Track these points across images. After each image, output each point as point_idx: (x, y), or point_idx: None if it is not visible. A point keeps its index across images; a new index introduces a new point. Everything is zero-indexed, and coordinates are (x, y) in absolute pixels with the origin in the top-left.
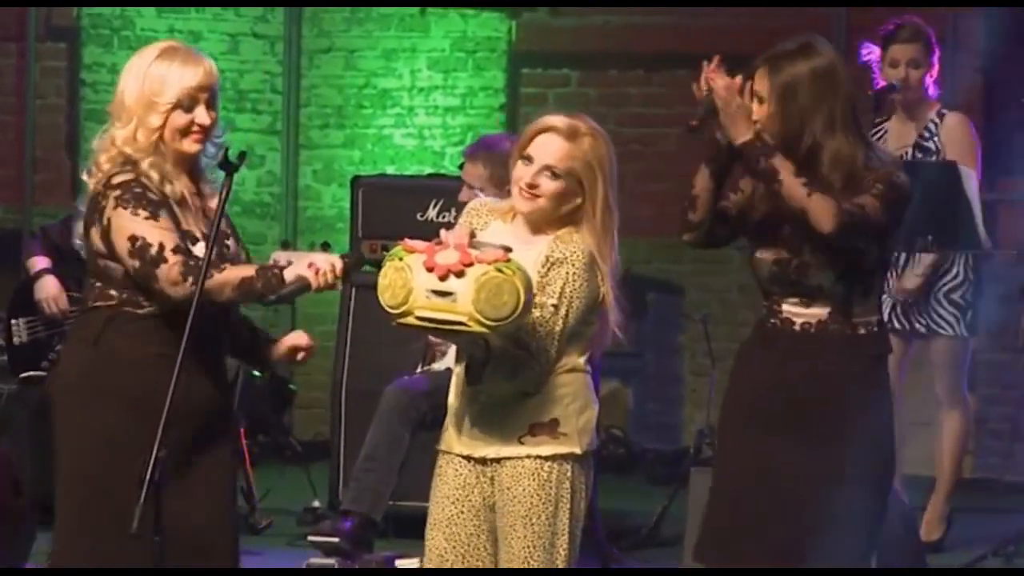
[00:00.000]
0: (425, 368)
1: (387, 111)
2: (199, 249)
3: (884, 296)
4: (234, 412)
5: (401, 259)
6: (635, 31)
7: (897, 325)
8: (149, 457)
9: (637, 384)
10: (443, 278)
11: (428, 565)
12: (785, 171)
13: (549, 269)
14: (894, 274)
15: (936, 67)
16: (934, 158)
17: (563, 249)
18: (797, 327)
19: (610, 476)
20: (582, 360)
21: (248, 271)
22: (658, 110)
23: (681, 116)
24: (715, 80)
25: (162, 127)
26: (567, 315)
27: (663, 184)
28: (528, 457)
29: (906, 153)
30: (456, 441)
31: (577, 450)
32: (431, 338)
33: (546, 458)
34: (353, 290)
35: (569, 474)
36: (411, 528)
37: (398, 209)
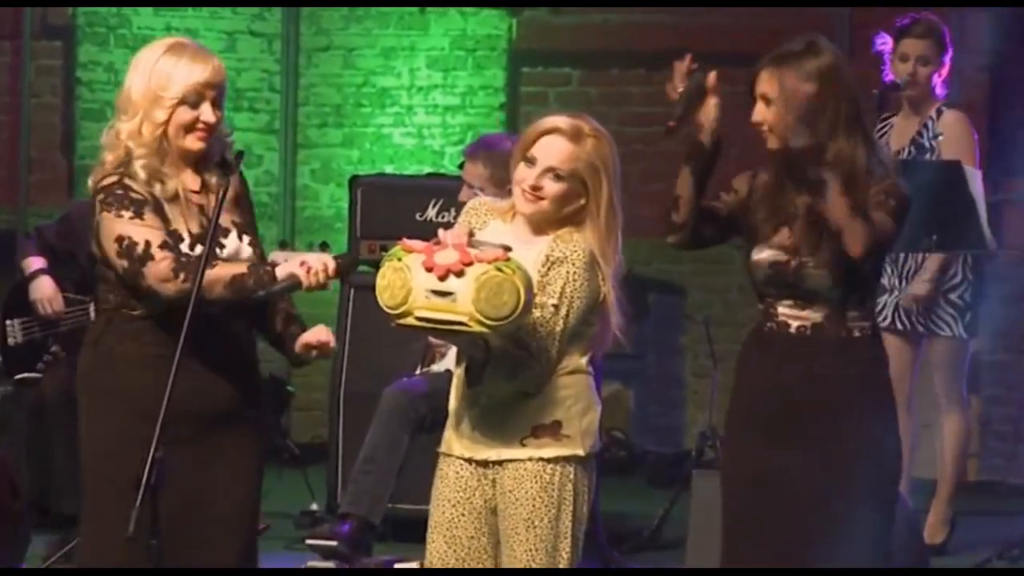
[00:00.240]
0: (424, 370)
1: (386, 110)
2: (184, 248)
3: (887, 298)
4: (255, 412)
5: (400, 259)
6: (636, 29)
7: (900, 326)
8: (144, 458)
9: (638, 386)
10: (442, 278)
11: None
12: (835, 187)
13: (549, 268)
14: (902, 280)
15: (946, 67)
16: (928, 156)
17: (563, 248)
18: (793, 330)
19: (611, 478)
20: (584, 361)
21: (240, 268)
22: (660, 109)
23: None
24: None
25: (167, 122)
26: (568, 315)
27: (665, 184)
28: (531, 459)
29: (903, 150)
30: (457, 443)
31: (580, 452)
32: (431, 339)
33: (549, 460)
34: (352, 291)
35: (572, 476)
36: (410, 531)
37: (397, 209)
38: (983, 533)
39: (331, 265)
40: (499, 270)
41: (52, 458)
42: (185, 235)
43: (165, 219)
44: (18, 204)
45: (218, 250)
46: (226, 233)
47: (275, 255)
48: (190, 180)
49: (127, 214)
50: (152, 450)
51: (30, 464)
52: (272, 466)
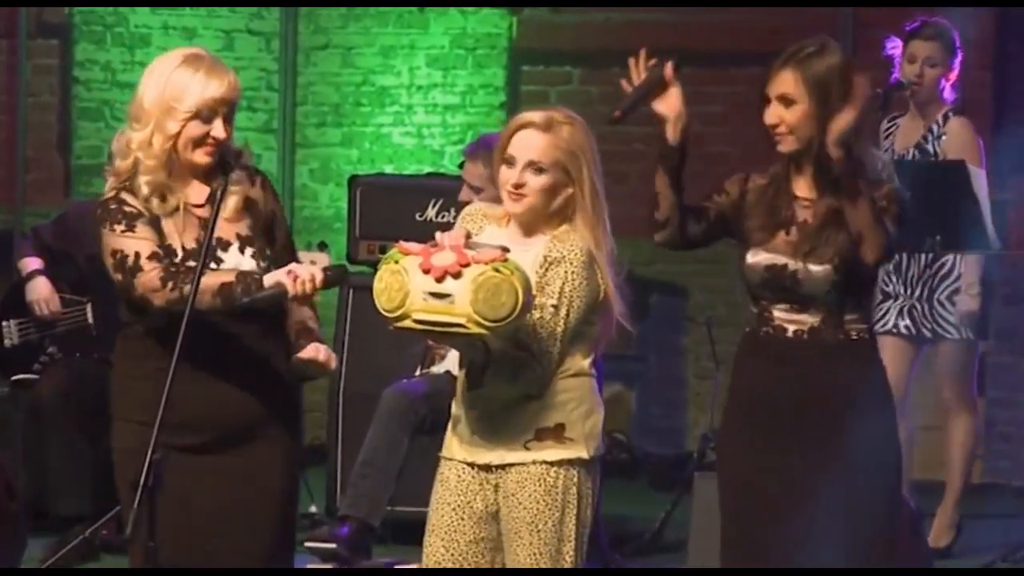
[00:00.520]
0: (424, 371)
1: (385, 109)
2: (178, 261)
3: (891, 304)
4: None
5: (397, 262)
6: (638, 28)
7: (904, 330)
8: (150, 464)
9: (640, 387)
10: (440, 280)
11: None
12: (865, 194)
13: (547, 269)
14: (906, 286)
15: (955, 71)
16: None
17: (560, 248)
18: (790, 334)
19: (612, 481)
20: (587, 363)
21: (227, 276)
22: None
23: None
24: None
25: (178, 135)
26: (568, 315)
27: None
28: (534, 463)
29: (908, 152)
30: (458, 447)
31: (584, 455)
32: (430, 341)
33: (553, 463)
34: (351, 292)
35: (576, 480)
36: (410, 534)
37: (396, 209)
38: (987, 536)
39: (319, 276)
40: (497, 271)
41: (49, 460)
42: (179, 250)
43: (160, 233)
44: (15, 204)
45: (215, 265)
46: (226, 246)
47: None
48: (195, 193)
49: (119, 228)
50: (149, 453)
51: (26, 466)
52: None
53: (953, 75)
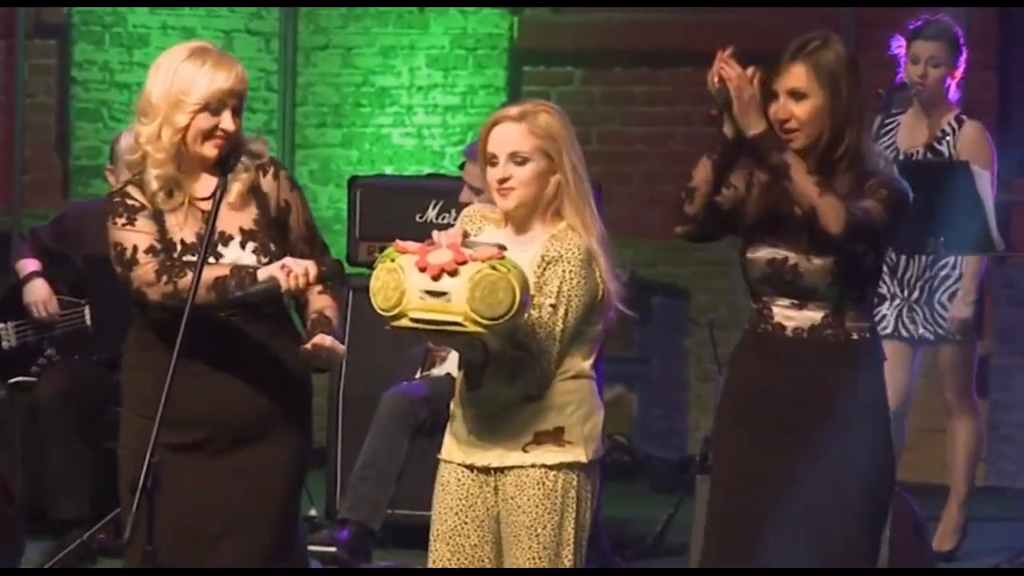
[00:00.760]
0: (425, 373)
1: (385, 110)
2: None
3: (888, 306)
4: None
5: (393, 260)
6: (639, 28)
7: (904, 332)
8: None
9: (641, 390)
10: (436, 278)
11: None
12: (797, 167)
13: (545, 268)
14: (903, 288)
15: (959, 69)
16: None
17: (559, 247)
18: (789, 332)
19: (614, 484)
20: (587, 365)
21: (222, 270)
22: (664, 109)
23: (687, 115)
24: (727, 70)
25: (186, 127)
26: (566, 314)
27: (669, 185)
28: (533, 466)
29: (917, 153)
30: (458, 450)
31: (583, 458)
32: (430, 343)
33: (551, 467)
34: (350, 293)
35: (575, 483)
36: (410, 537)
37: (396, 210)
38: (992, 539)
39: (312, 271)
40: (494, 268)
41: (47, 463)
42: (178, 244)
43: (162, 227)
44: (12, 205)
45: (213, 260)
46: (227, 241)
47: None
48: (202, 186)
49: (120, 221)
50: (148, 455)
51: (24, 469)
52: None
53: (958, 74)
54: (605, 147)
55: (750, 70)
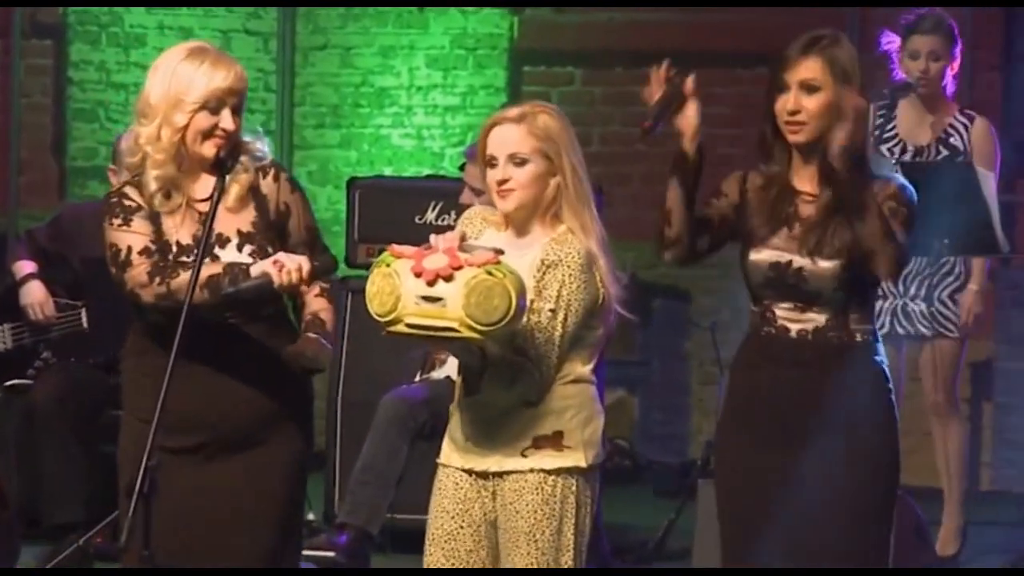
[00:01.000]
0: (424, 377)
1: (384, 110)
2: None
3: (883, 304)
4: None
5: (388, 265)
6: (641, 28)
7: (901, 330)
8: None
9: (643, 393)
10: (432, 283)
11: None
12: (873, 208)
13: (545, 273)
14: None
15: (957, 61)
16: (961, 158)
17: (558, 251)
18: (793, 335)
19: (615, 488)
20: (587, 369)
21: (215, 268)
22: None
23: None
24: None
25: (186, 127)
26: (566, 319)
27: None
28: (531, 471)
29: (928, 149)
30: (456, 454)
31: (582, 463)
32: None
33: (550, 472)
34: (349, 296)
35: (574, 488)
36: (409, 542)
37: (395, 212)
38: (995, 544)
39: (305, 267)
40: (489, 274)
41: (43, 466)
42: (174, 246)
43: (159, 229)
44: (8, 207)
45: (209, 260)
46: (225, 243)
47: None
48: (201, 187)
49: (116, 222)
50: (144, 458)
51: (20, 473)
52: None
53: (956, 66)
54: (606, 148)
55: (690, 79)
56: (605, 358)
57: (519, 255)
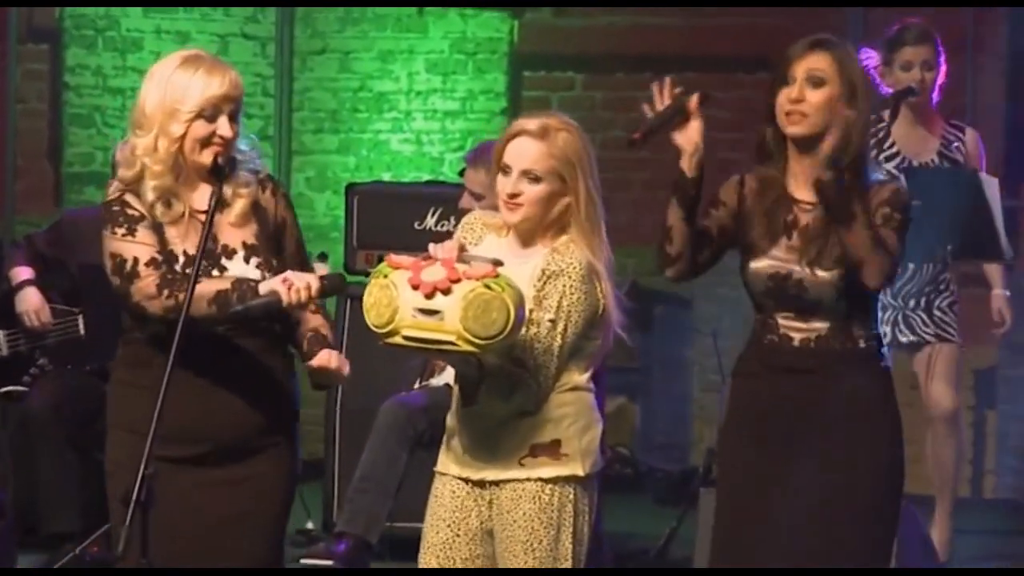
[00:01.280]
0: (424, 383)
1: (383, 115)
2: (177, 268)
3: (882, 315)
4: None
5: (386, 276)
6: (642, 32)
7: (904, 339)
8: (143, 478)
9: (644, 401)
10: (429, 296)
11: None
12: (862, 217)
13: (545, 283)
14: (896, 297)
15: (943, 69)
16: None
17: (559, 261)
18: (796, 343)
19: (616, 496)
20: (584, 378)
21: (223, 283)
22: None
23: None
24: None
25: (183, 137)
26: (565, 330)
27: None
28: (529, 480)
29: (933, 163)
30: (453, 463)
31: (580, 472)
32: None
33: (547, 481)
34: (348, 303)
35: (571, 497)
36: (408, 551)
37: (394, 218)
38: (999, 552)
39: (314, 285)
40: (488, 287)
41: (38, 475)
42: (180, 256)
43: (162, 239)
44: (4, 213)
45: (217, 272)
46: (231, 254)
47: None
48: (200, 197)
49: (120, 231)
50: (142, 467)
51: (15, 481)
52: None
53: (942, 75)
54: (606, 153)
55: (695, 97)
56: (606, 366)
57: (519, 263)
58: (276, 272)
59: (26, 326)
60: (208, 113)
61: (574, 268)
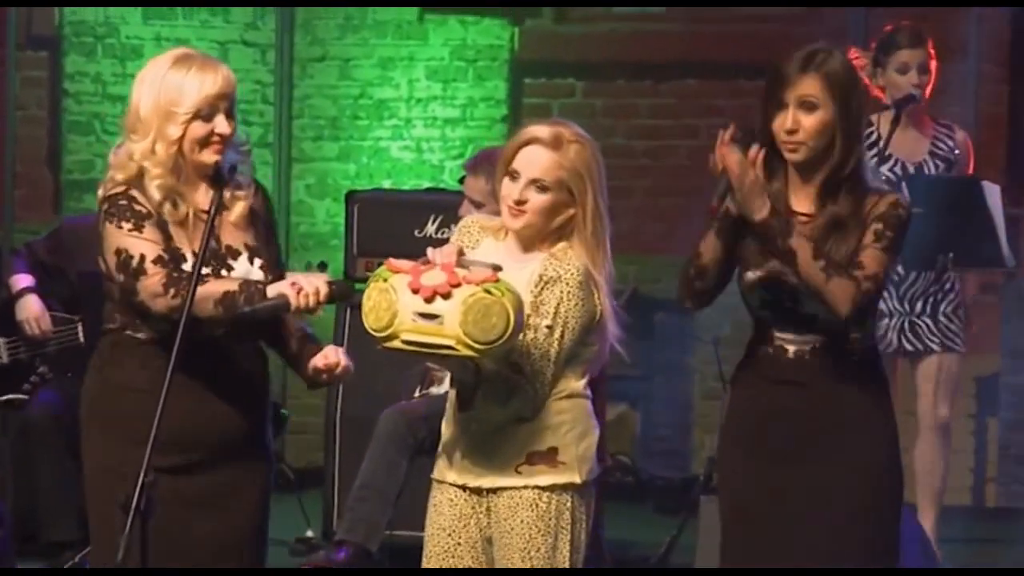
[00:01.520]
0: (424, 392)
1: (383, 123)
2: (187, 267)
3: (888, 322)
4: (262, 440)
5: (385, 280)
6: (643, 39)
7: (910, 347)
8: (137, 485)
9: (645, 408)
10: (429, 300)
11: None
12: (803, 253)
13: (543, 288)
14: (903, 303)
15: (934, 73)
16: (954, 169)
17: (557, 267)
18: (791, 354)
19: (616, 504)
20: (581, 384)
21: (231, 284)
22: (668, 122)
23: (692, 128)
24: (728, 157)
25: (181, 138)
26: (563, 336)
27: (673, 199)
28: (526, 487)
29: (925, 165)
30: (450, 470)
31: (577, 479)
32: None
33: (544, 488)
34: (347, 311)
35: (569, 504)
36: (409, 559)
37: (395, 225)
38: (1003, 561)
39: (323, 290)
40: (488, 292)
41: (38, 483)
42: (188, 255)
43: (168, 237)
44: (3, 220)
45: (224, 272)
46: (236, 255)
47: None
48: (204, 197)
49: (127, 226)
50: (141, 475)
51: (15, 489)
52: None
53: (934, 78)
54: (608, 160)
55: (753, 150)
56: (606, 373)
57: (517, 267)
58: (278, 273)
59: (26, 334)
60: (205, 113)
61: (572, 274)
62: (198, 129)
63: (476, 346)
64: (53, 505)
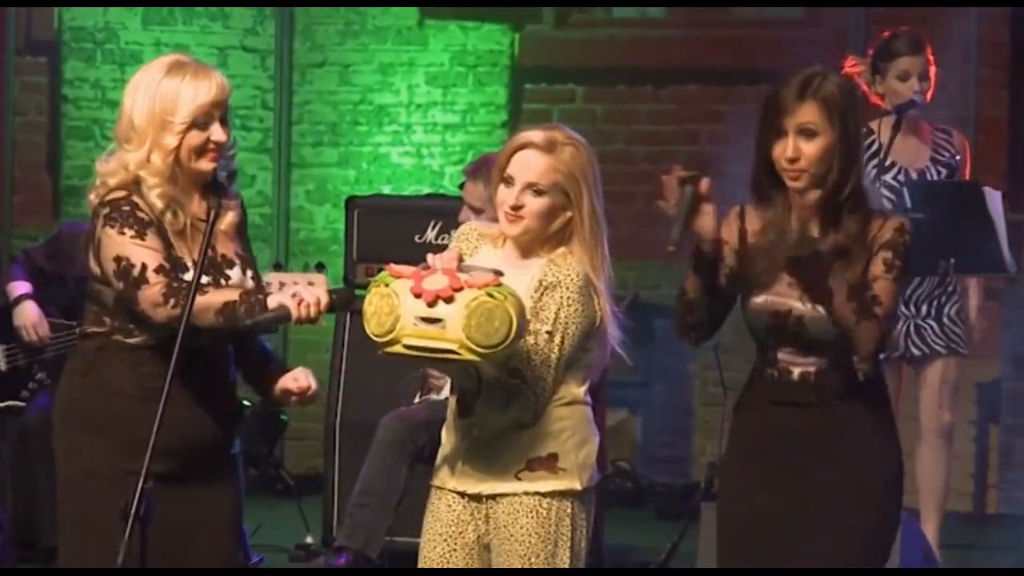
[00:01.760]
0: (424, 398)
1: (383, 128)
2: (188, 277)
3: (899, 325)
4: (234, 448)
5: (387, 285)
6: (643, 45)
7: (916, 351)
8: (134, 491)
9: (645, 415)
10: (431, 304)
11: None
12: (839, 295)
13: (542, 294)
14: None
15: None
16: (956, 174)
17: (556, 273)
18: (796, 376)
19: (617, 511)
20: (581, 391)
21: (232, 295)
22: (668, 127)
23: (692, 133)
24: (675, 193)
25: (178, 147)
26: (563, 342)
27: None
28: (526, 494)
29: (927, 171)
30: (449, 476)
31: (577, 486)
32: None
33: (544, 495)
34: (348, 317)
35: (569, 511)
36: (408, 565)
37: (394, 231)
38: (1001, 566)
39: (324, 300)
40: (490, 296)
41: (36, 490)
42: (189, 263)
43: (168, 246)
44: (2, 225)
45: (224, 281)
46: (231, 264)
47: (270, 277)
48: (197, 205)
49: (130, 232)
50: (140, 482)
51: (14, 496)
52: (266, 498)
53: (932, 84)
54: (608, 166)
55: (704, 183)
56: (607, 379)
57: (517, 274)
58: (264, 284)
59: (24, 340)
60: (200, 121)
61: (571, 279)
62: (195, 138)
63: (479, 350)
64: (51, 511)
